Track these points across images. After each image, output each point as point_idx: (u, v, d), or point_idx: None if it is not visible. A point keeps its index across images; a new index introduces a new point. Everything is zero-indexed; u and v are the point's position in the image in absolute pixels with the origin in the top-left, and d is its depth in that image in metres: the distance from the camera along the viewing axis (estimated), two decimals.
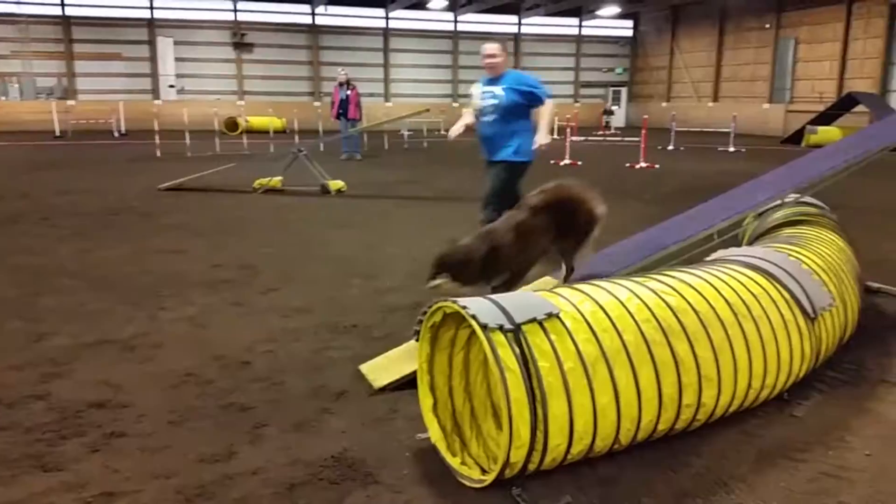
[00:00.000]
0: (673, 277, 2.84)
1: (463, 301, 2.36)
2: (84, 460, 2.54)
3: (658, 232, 4.31)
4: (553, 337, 2.29)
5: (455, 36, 30.79)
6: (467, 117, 5.20)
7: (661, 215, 6.56)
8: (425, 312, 2.57)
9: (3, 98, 25.43)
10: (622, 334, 2.41)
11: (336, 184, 9.72)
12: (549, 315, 2.34)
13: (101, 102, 24.65)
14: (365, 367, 3.38)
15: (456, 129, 5.19)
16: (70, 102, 24.81)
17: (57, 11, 25.78)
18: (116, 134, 21.95)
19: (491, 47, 5.06)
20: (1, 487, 2.36)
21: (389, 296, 4.70)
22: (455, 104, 30.62)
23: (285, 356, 3.59)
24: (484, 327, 2.23)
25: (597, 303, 2.50)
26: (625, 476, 2.45)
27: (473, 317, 2.25)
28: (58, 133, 21.72)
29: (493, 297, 2.44)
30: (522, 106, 4.95)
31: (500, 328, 2.25)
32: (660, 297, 2.61)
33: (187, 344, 3.75)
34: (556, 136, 22.14)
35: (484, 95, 5.05)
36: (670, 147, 18.48)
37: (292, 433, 2.76)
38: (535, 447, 2.22)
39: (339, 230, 7.11)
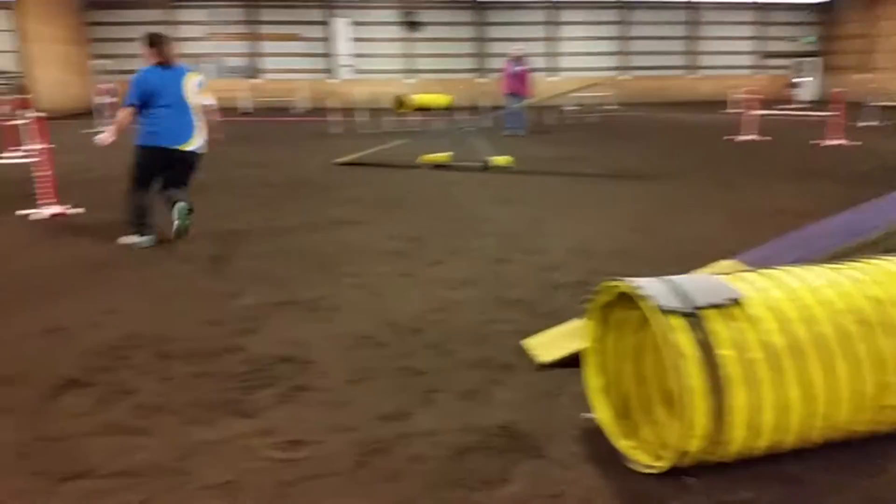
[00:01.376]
0: (875, 266, 2.57)
1: (637, 281, 2.30)
2: (273, 409, 2.78)
3: (854, 216, 3.92)
4: (736, 324, 2.17)
5: (627, 6, 29.63)
6: None
7: (856, 198, 5.98)
8: (596, 291, 2.52)
9: None
10: (816, 325, 2.23)
11: (501, 159, 9.77)
12: (734, 301, 2.21)
13: (284, 81, 26.49)
14: (529, 342, 3.40)
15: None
16: (256, 81, 26.88)
17: None
18: (297, 111, 23.48)
19: None
20: (205, 426, 2.64)
21: (552, 272, 4.68)
22: (624, 76, 29.61)
23: (453, 326, 3.70)
24: (659, 310, 2.15)
25: (788, 290, 2.32)
26: (811, 476, 2.29)
27: (649, 298, 2.18)
28: (244, 109, 23.63)
29: (671, 278, 2.35)
30: None
31: (677, 311, 2.16)
32: (860, 288, 2.38)
33: (363, 309, 3.97)
34: (734, 110, 20.76)
35: None
36: (868, 123, 16.69)
37: (462, 400, 2.85)
38: (713, 439, 2.12)
39: (502, 206, 7.16)
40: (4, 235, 5.93)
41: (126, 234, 5.48)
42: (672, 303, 2.18)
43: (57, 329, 3.64)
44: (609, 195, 7.71)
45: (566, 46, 29.71)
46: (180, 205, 5.34)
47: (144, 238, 5.42)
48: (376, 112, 18.71)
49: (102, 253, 5.31)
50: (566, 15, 29.51)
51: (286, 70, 27.69)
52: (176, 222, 5.34)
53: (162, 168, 5.44)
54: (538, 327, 3.55)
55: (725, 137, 13.89)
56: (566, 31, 29.62)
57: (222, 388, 2.96)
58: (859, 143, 12.59)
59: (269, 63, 28.35)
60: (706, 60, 30.57)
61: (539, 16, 29.39)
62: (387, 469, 2.36)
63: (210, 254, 5.23)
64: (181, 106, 5.42)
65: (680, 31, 30.23)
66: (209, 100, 5.92)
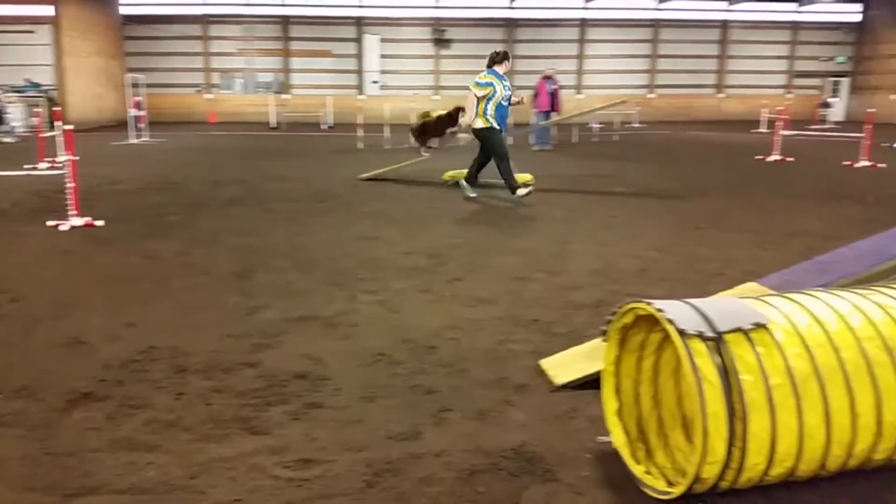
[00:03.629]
0: None
1: (658, 303, 2.25)
2: (286, 426, 2.77)
3: (886, 239, 3.82)
4: (760, 349, 2.11)
5: (657, 24, 29.55)
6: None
7: (887, 221, 5.85)
8: (615, 312, 2.48)
9: (229, 91, 28.49)
10: (840, 352, 2.16)
11: (523, 176, 9.73)
12: (757, 325, 2.16)
13: (312, 97, 26.78)
14: (546, 363, 3.35)
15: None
16: (285, 96, 27.25)
17: (277, 11, 28.31)
18: (324, 126, 23.72)
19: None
20: (214, 444, 2.63)
21: (572, 293, 4.62)
22: (651, 95, 29.47)
23: (469, 345, 3.66)
24: (681, 333, 2.11)
25: (813, 315, 2.26)
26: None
27: (671, 321, 2.14)
28: (273, 125, 23.92)
29: (693, 301, 2.30)
30: None
31: (700, 335, 2.11)
32: (888, 314, 2.31)
33: (380, 325, 3.96)
34: (763, 130, 20.46)
35: (507, 87, 8.34)
36: None
37: (474, 420, 2.81)
38: (730, 465, 2.07)
39: (525, 223, 7.13)
40: (33, 245, 6.04)
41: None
42: (695, 326, 2.14)
43: (76, 341, 3.67)
44: (633, 213, 7.64)
45: (595, 64, 29.67)
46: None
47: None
48: (403, 128, 18.82)
49: (126, 265, 5.38)
50: (596, 33, 29.50)
51: (315, 86, 28.02)
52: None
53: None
54: (555, 348, 3.51)
55: (755, 157, 13.72)
56: (595, 48, 29.60)
57: (236, 405, 2.95)
58: (887, 165, 12.35)
59: (298, 79, 28.72)
60: (735, 79, 30.32)
61: (569, 33, 29.40)
62: (396, 490, 2.33)
63: (232, 267, 5.26)
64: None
65: (710, 49, 30.03)
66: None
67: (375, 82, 28.68)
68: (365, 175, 10.48)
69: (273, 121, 24.21)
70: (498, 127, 8.24)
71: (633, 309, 2.39)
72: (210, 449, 2.58)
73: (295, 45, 28.73)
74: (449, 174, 10.05)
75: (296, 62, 28.85)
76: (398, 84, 28.67)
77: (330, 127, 23.66)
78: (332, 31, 28.62)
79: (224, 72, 28.60)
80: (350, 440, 2.65)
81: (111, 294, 4.58)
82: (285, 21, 28.44)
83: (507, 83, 8.34)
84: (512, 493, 2.30)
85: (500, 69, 8.36)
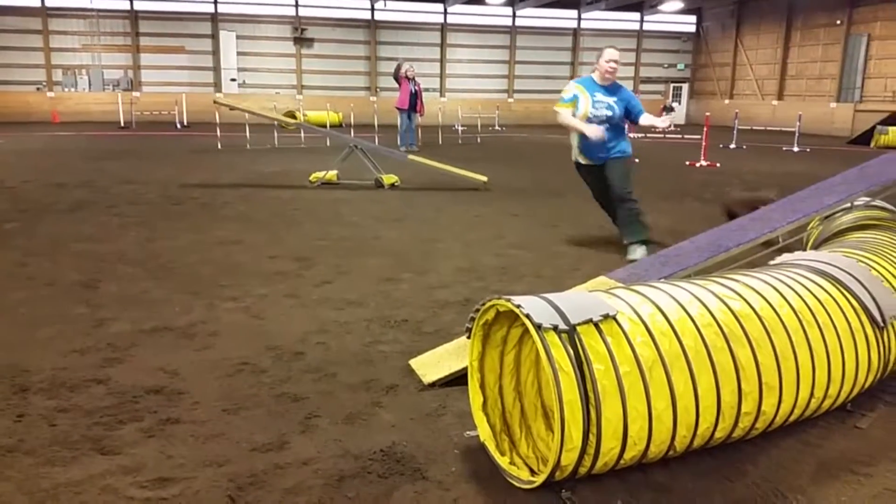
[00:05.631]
0: (736, 281, 2.75)
1: (517, 299, 2.33)
2: (140, 445, 2.60)
3: (719, 233, 4.18)
4: (609, 339, 2.24)
5: (513, 31, 30.60)
6: (576, 120, 5.74)
7: (722, 217, 6.40)
8: (478, 310, 2.54)
9: (73, 89, 26.45)
10: (682, 338, 2.34)
11: (390, 178, 9.78)
12: (606, 316, 2.29)
13: (165, 95, 25.43)
14: (415, 362, 3.38)
15: (594, 131, 5.66)
16: (135, 94, 25.67)
17: (125, 6, 26.62)
18: (179, 126, 22.59)
19: (616, 54, 5.74)
20: (61, 468, 2.43)
21: (440, 291, 4.70)
22: (510, 100, 30.48)
23: (337, 348, 3.62)
24: (538, 327, 2.19)
25: (656, 305, 2.43)
26: (678, 483, 2.39)
27: (528, 316, 2.22)
28: (123, 124, 22.49)
29: (548, 295, 2.40)
30: (624, 118, 5.81)
31: (555, 328, 2.21)
32: (722, 302, 2.53)
33: (243, 333, 3.82)
34: None
35: (596, 104, 5.65)
36: (732, 146, 17.98)
37: (343, 425, 2.78)
38: (586, 451, 2.17)
39: (391, 224, 7.15)
40: None
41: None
42: (550, 320, 2.23)
43: None
44: (496, 213, 7.87)
45: (457, 68, 30.30)
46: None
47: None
48: (265, 128, 18.28)
49: None
50: (456, 38, 30.11)
51: (169, 83, 26.62)
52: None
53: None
54: (424, 347, 3.55)
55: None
56: (456, 53, 30.22)
57: (84, 424, 2.74)
58: (723, 164, 13.53)
59: (150, 76, 27.16)
60: None
61: (432, 37, 29.82)
62: (261, 503, 2.26)
63: (78, 277, 4.88)
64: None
65: (564, 56, 31.52)
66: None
67: (234, 80, 27.69)
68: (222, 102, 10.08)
69: (123, 120, 22.73)
70: (587, 161, 5.96)
71: (493, 305, 2.46)
72: (56, 473, 2.38)
73: (145, 41, 27.13)
74: (315, 175, 9.90)
75: (146, 58, 27.24)
76: (259, 83, 27.85)
77: (185, 126, 22.55)
78: (186, 26, 27.30)
79: (67, 68, 26.48)
80: (210, 455, 2.54)
81: None
82: (134, 16, 26.79)
83: (601, 94, 5.68)
84: (381, 495, 2.30)
85: (596, 74, 5.76)
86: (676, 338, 2.34)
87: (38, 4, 25.64)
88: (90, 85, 26.63)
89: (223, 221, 7.10)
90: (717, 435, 2.43)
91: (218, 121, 16.56)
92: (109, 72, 26.82)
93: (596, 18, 31.17)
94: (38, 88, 26.16)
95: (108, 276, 4.93)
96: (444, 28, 29.85)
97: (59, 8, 25.93)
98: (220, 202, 8.30)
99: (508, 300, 2.35)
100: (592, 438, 2.16)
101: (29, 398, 2.95)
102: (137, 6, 26.70)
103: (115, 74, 26.88)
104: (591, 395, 2.15)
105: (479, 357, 2.59)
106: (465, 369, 2.98)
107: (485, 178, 9.99)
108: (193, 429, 2.73)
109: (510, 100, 30.63)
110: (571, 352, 2.18)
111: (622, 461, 2.26)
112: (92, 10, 26.13)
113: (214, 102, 11.02)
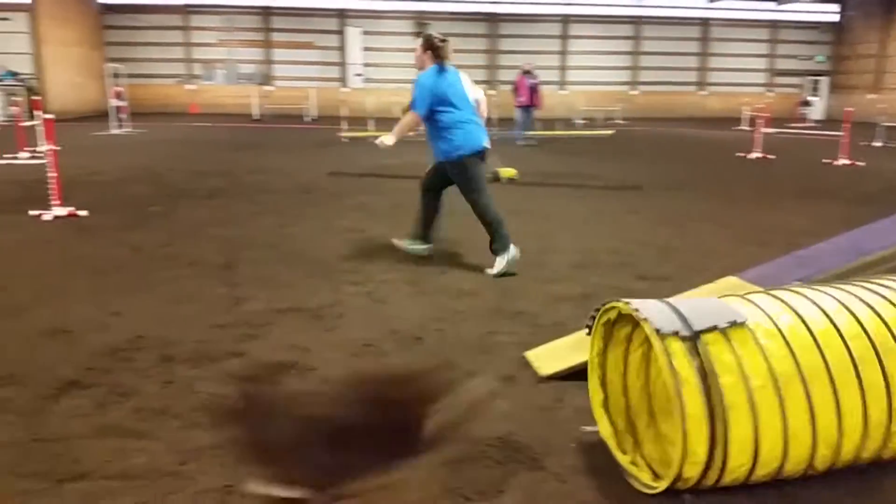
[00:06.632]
0: (885, 287, 2.52)
1: (635, 302, 2.28)
2: None
3: (860, 235, 3.91)
4: (739, 350, 2.12)
5: (638, 21, 29.73)
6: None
7: (864, 217, 5.96)
8: (598, 309, 2.52)
9: (210, 83, 28.23)
10: (825, 352, 2.17)
11: (508, 172, 9.79)
12: (734, 324, 2.16)
13: (295, 89, 26.63)
14: (531, 354, 3.40)
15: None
16: (268, 88, 27.05)
17: (258, 2, 28.08)
18: (307, 119, 23.60)
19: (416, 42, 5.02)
20: (203, 432, 2.62)
21: (556, 285, 4.68)
22: (633, 92, 29.66)
23: (455, 336, 3.70)
24: (658, 333, 2.14)
25: (797, 314, 2.26)
26: (809, 495, 2.27)
27: (648, 321, 2.17)
28: (255, 116, 23.76)
29: (671, 299, 2.34)
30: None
31: (676, 334, 2.12)
32: (872, 309, 2.32)
33: (366, 316, 3.98)
34: (744, 128, 20.73)
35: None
36: (877, 143, 16.65)
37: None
38: (711, 466, 2.09)
39: (509, 217, 7.11)
40: (14, 236, 5.97)
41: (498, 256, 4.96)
42: (671, 325, 2.14)
43: (62, 330, 3.66)
44: (615, 208, 7.71)
45: (578, 60, 29.80)
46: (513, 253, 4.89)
47: (513, 251, 4.93)
48: (386, 121, 18.78)
49: (110, 255, 5.34)
50: (578, 29, 29.62)
51: (298, 78, 27.85)
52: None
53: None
54: (540, 340, 3.55)
55: (736, 154, 13.89)
56: (578, 44, 29.73)
57: (223, 393, 2.96)
58: (866, 163, 12.56)
59: (281, 70, 28.53)
60: (717, 77, 30.61)
61: (551, 29, 29.50)
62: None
63: (217, 258, 5.25)
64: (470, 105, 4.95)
65: (691, 47, 30.28)
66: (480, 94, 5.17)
67: (359, 75, 28.58)
68: (346, 134, 10.39)
69: (255, 112, 24.04)
70: None
71: (615, 307, 2.42)
72: (199, 436, 2.60)
73: (277, 37, 28.52)
74: None
75: (278, 54, 28.64)
76: (382, 77, 28.60)
77: (313, 119, 23.55)
78: (315, 22, 28.45)
79: (205, 62, 28.32)
80: None
81: (96, 284, 4.56)
82: (267, 12, 28.21)
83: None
84: (498, 480, 2.35)
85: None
86: (819, 351, 2.17)
87: (180, 2, 27.55)
88: (227, 79, 28.34)
89: (347, 211, 7.39)
90: (864, 455, 2.26)
91: (343, 114, 17.17)
92: (244, 66, 28.41)
93: (727, 8, 29.71)
94: (178, 82, 28.13)
95: (244, 258, 5.27)
96: (566, 19, 29.43)
97: (197, 5, 27.73)
98: (344, 192, 8.63)
99: (627, 303, 2.31)
100: (719, 454, 2.06)
101: (174, 367, 3.22)
102: (269, 2, 28.09)
103: (248, 69, 28.44)
104: (717, 409, 2.04)
105: (600, 353, 2.57)
106: (583, 364, 2.97)
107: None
108: None
109: (633, 92, 29.79)
110: (695, 362, 2.09)
111: (754, 477, 2.17)
112: (228, 6, 27.76)
113: (339, 135, 11.32)
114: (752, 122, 16.29)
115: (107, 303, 4.12)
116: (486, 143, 4.95)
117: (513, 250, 4.92)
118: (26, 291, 4.36)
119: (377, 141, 5.11)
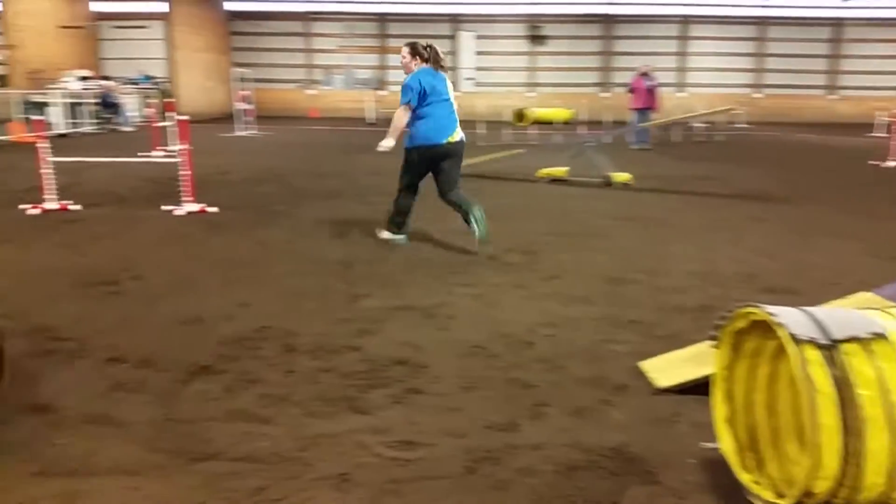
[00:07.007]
0: None
1: (772, 308, 2.18)
2: (388, 409, 2.86)
3: None
4: (881, 363, 2.00)
5: (763, 22, 28.32)
6: None
7: None
8: (724, 317, 2.42)
9: (328, 88, 29.33)
10: None
11: (621, 176, 9.58)
12: (876, 335, 2.05)
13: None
14: (646, 365, 3.31)
15: None
16: (382, 93, 27.79)
17: (375, 8, 28.90)
18: None
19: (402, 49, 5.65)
20: (321, 420, 2.75)
21: (673, 295, 4.52)
22: (757, 95, 28.29)
23: (566, 342, 3.66)
24: (795, 340, 2.03)
25: None
26: None
27: (784, 327, 2.07)
28: (370, 120, 24.44)
29: (808, 308, 2.22)
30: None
31: (813, 342, 2.03)
32: None
33: (477, 318, 4.01)
34: (879, 134, 19.32)
35: None
36: None
37: (572, 417, 2.81)
38: (843, 483, 1.97)
39: (622, 223, 7.01)
40: (150, 229, 6.44)
41: (385, 228, 5.94)
42: (809, 333, 2.06)
43: (194, 318, 3.91)
44: (738, 217, 7.37)
45: (697, 62, 28.76)
46: (477, 213, 5.57)
47: (401, 236, 5.87)
48: (496, 125, 18.84)
49: (238, 249, 5.66)
50: (698, 30, 28.58)
51: None
52: (477, 231, 5.56)
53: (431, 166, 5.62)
54: (656, 350, 3.45)
55: (870, 163, 12.95)
56: (698, 45, 28.69)
57: (341, 385, 3.07)
58: None
59: (394, 76, 29.22)
60: (848, 80, 28.67)
61: (669, 30, 28.62)
62: (496, 478, 2.37)
63: (335, 256, 5.45)
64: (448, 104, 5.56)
65: (820, 48, 28.52)
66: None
67: (470, 79, 28.82)
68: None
69: (370, 116, 24.73)
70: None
71: (746, 313, 2.32)
72: (318, 424, 2.70)
73: (392, 42, 29.25)
74: (544, 171, 10.01)
75: (392, 59, 29.34)
76: (492, 81, 28.71)
77: None
78: (428, 28, 28.93)
79: (325, 68, 29.46)
80: (449, 426, 2.71)
81: (225, 275, 4.84)
82: (383, 18, 28.99)
83: None
84: (612, 491, 2.30)
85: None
86: None
87: (302, 10, 28.77)
88: (342, 83, 29.35)
89: (454, 212, 7.43)
90: None
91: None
92: (360, 72, 29.32)
93: (862, 7, 27.75)
94: (298, 86, 29.40)
95: (360, 257, 5.43)
96: (686, 20, 28.46)
97: (319, 12, 28.89)
98: None
99: (762, 308, 2.21)
100: (852, 470, 1.95)
101: (296, 357, 3.37)
102: (386, 9, 28.86)
103: (364, 74, 29.32)
104: (852, 423, 1.94)
105: (727, 366, 2.47)
106: (702, 378, 2.86)
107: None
108: (434, 400, 2.94)
109: (757, 95, 28.40)
110: (833, 372, 1.99)
111: (891, 501, 2.02)
112: (347, 13, 28.76)
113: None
114: (889, 128, 15.12)
115: (235, 294, 4.37)
116: (450, 139, 5.54)
117: (400, 237, 5.88)
118: (162, 281, 4.69)
119: (379, 146, 5.76)
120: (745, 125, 23.64)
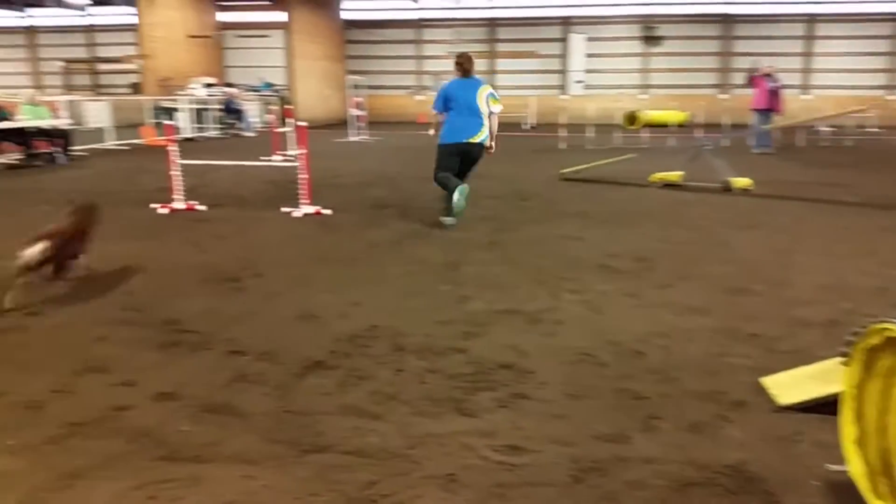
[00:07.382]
0: None
1: None
2: (493, 412, 2.85)
3: None
4: None
5: None
6: None
7: None
8: (858, 332, 2.26)
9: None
10: None
11: (742, 181, 9.14)
12: None
13: (515, 97, 27.11)
14: (768, 381, 3.13)
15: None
16: None
17: (485, 14, 29.03)
18: (526, 126, 23.94)
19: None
20: (429, 420, 2.79)
21: (799, 308, 4.26)
22: (891, 97, 26.28)
23: (679, 354, 3.52)
24: None
25: None
26: None
27: None
28: None
29: None
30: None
31: None
32: None
33: (584, 325, 3.94)
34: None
35: None
36: None
37: (686, 432, 2.70)
38: None
39: (742, 231, 6.68)
40: (270, 229, 6.75)
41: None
42: None
43: (310, 315, 4.07)
44: (870, 227, 6.85)
45: (823, 62, 27.06)
46: (462, 185, 6.72)
47: (450, 219, 6.78)
48: (606, 128, 18.47)
49: (350, 250, 5.85)
50: (825, 29, 26.88)
51: (519, 87, 28.36)
52: (455, 196, 6.61)
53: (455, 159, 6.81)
54: (778, 366, 3.26)
55: None
56: (824, 45, 26.98)
57: (448, 386, 3.10)
58: None
59: (503, 80, 29.26)
60: None
61: (793, 30, 27.09)
62: (604, 489, 2.31)
63: (442, 258, 5.51)
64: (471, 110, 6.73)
65: None
66: (497, 108, 6.99)
67: (580, 82, 28.42)
68: (566, 170, 10.44)
69: None
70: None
71: (882, 329, 2.16)
72: (425, 424, 2.74)
73: (501, 47, 29.30)
74: (657, 176, 9.71)
75: (501, 64, 29.40)
76: (602, 83, 28.18)
77: (532, 127, 23.82)
78: (538, 31, 28.82)
79: (435, 74, 29.90)
80: (555, 434, 2.67)
81: (339, 275, 5.01)
82: (493, 23, 29.09)
83: None
84: None
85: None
86: None
87: (415, 17, 29.32)
88: None
89: (565, 217, 7.36)
90: None
91: (562, 122, 17.17)
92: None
93: None
94: (408, 93, 29.98)
95: (466, 259, 5.47)
96: (812, 18, 26.84)
97: (429, 19, 29.35)
98: (562, 198, 8.62)
99: None
100: None
101: (405, 357, 3.44)
102: (496, 14, 28.93)
103: None
104: None
105: (857, 385, 2.30)
106: (829, 396, 2.68)
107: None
108: (540, 406, 2.91)
109: (891, 97, 26.36)
110: None
111: None
112: (457, 19, 29.06)
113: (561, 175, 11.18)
114: None
115: (347, 292, 4.51)
116: (469, 140, 6.76)
117: (450, 220, 6.79)
118: (281, 278, 4.90)
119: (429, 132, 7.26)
120: (877, 129, 21.96)
